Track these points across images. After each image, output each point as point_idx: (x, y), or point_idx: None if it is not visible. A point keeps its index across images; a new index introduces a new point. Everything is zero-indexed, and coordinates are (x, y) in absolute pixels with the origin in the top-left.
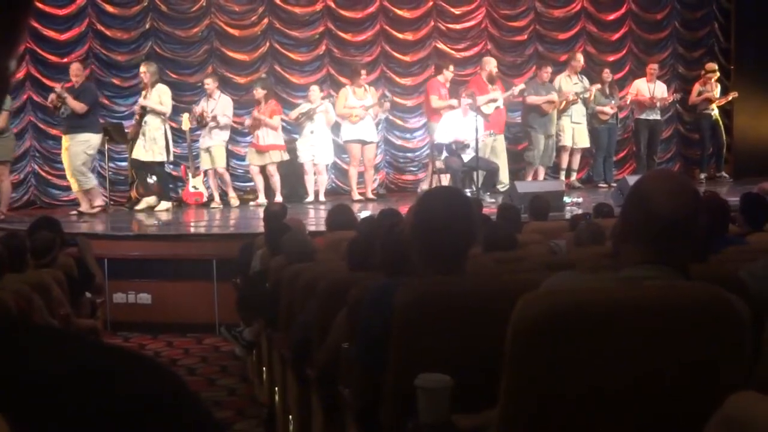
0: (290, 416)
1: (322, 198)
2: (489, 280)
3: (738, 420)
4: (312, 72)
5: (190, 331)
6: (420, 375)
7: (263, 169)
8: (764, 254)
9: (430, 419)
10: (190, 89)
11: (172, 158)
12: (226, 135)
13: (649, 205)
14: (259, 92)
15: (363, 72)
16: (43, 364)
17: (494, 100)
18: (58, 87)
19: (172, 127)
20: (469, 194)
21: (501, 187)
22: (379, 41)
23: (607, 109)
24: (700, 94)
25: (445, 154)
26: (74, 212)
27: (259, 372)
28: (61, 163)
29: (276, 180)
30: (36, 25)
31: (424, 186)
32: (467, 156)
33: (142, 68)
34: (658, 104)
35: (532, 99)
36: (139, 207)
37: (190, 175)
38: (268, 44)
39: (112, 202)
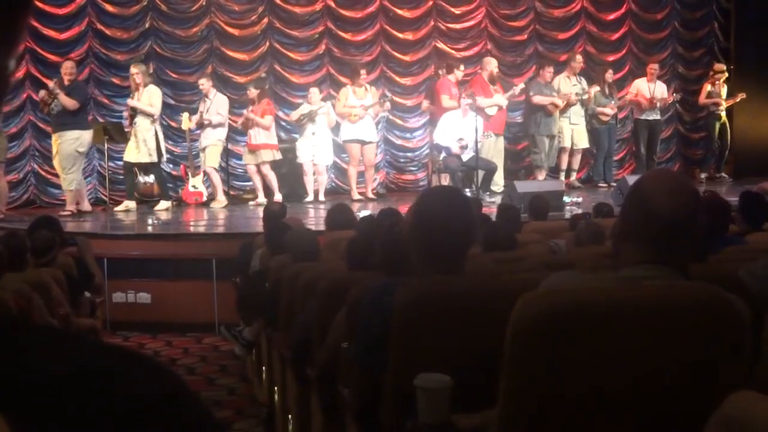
0: (290, 416)
1: (321, 198)
2: (488, 279)
3: (737, 420)
4: (312, 71)
5: (189, 330)
6: (419, 375)
7: (260, 168)
8: (764, 254)
9: (429, 419)
10: (189, 89)
11: (165, 159)
12: (221, 134)
13: (649, 205)
14: (252, 92)
15: (363, 72)
16: (43, 364)
17: (498, 105)
18: (50, 83)
19: (171, 127)
20: (468, 194)
21: (496, 188)
22: (379, 41)
23: (608, 110)
24: (709, 94)
25: (444, 154)
26: (66, 212)
27: (258, 371)
28: None
29: (272, 179)
30: (36, 24)
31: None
32: (466, 156)
33: (134, 69)
34: (658, 104)
35: (538, 99)
36: (118, 208)
37: (189, 174)
38: (267, 44)
39: (111, 202)
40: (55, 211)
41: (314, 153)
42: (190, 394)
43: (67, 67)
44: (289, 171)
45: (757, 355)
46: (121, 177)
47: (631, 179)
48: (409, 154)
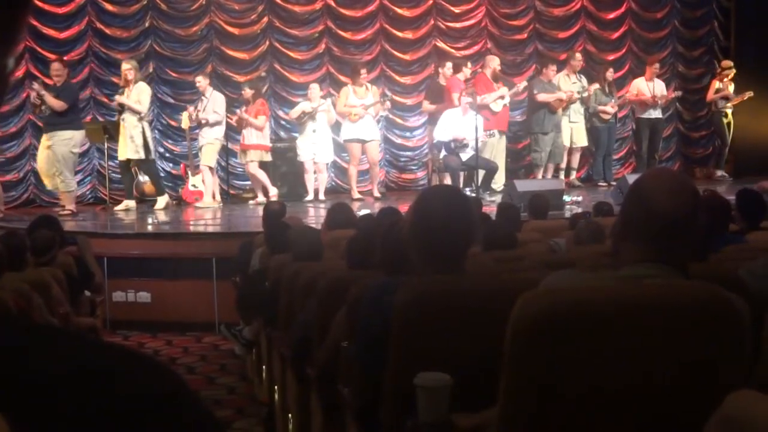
0: (290, 415)
1: (321, 197)
2: (488, 279)
3: (737, 419)
4: (312, 70)
5: (189, 329)
6: (419, 374)
7: (248, 167)
8: (764, 253)
9: (429, 418)
10: (189, 88)
11: (154, 155)
12: (218, 132)
13: (649, 204)
14: (246, 92)
15: (363, 71)
16: (43, 364)
17: (502, 97)
18: (35, 85)
19: (171, 126)
20: (468, 193)
21: (497, 187)
22: (379, 40)
23: (609, 109)
24: (717, 91)
25: (444, 152)
26: (65, 212)
27: (258, 371)
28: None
29: (260, 177)
30: (35, 23)
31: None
32: (466, 155)
33: (126, 65)
34: (660, 102)
35: (543, 97)
36: (118, 208)
37: (189, 173)
38: (267, 43)
39: (111, 201)
40: (54, 210)
41: (315, 151)
42: (190, 394)
43: (55, 68)
44: (289, 170)
45: (757, 355)
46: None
47: (631, 178)
48: (409, 153)
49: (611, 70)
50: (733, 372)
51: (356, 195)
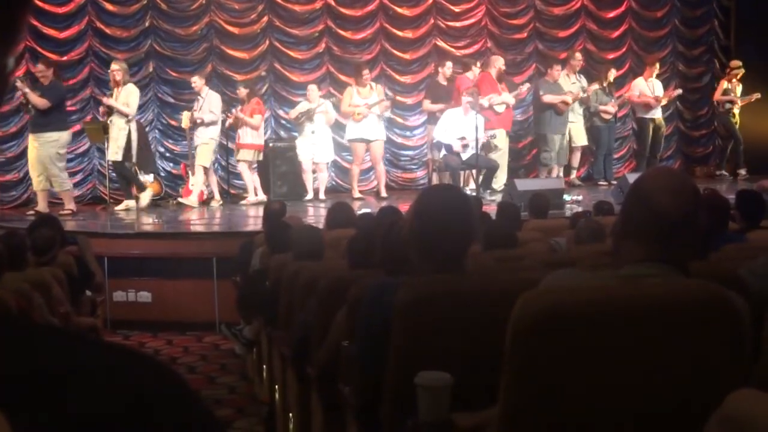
0: (290, 414)
1: (322, 196)
2: (489, 278)
3: (738, 419)
4: (312, 70)
5: (189, 329)
6: (420, 373)
7: (239, 165)
8: (764, 252)
9: (430, 417)
10: (189, 87)
11: (134, 159)
12: (213, 132)
13: (650, 203)
14: (242, 91)
15: (366, 70)
16: (44, 363)
17: (506, 103)
18: (18, 83)
19: (171, 126)
20: (469, 192)
21: (497, 186)
22: (379, 39)
23: (610, 108)
24: (725, 92)
25: (444, 152)
26: (31, 212)
27: (259, 370)
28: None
29: (246, 178)
30: (36, 23)
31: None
32: (466, 154)
33: (114, 66)
34: (663, 101)
35: (549, 98)
36: (119, 208)
37: (190, 173)
38: (267, 42)
39: (112, 201)
40: (55, 210)
41: (314, 151)
42: (190, 393)
43: (38, 69)
44: (289, 169)
45: (758, 354)
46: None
47: (632, 177)
48: (409, 153)
49: (613, 69)
50: (733, 371)
51: (357, 194)
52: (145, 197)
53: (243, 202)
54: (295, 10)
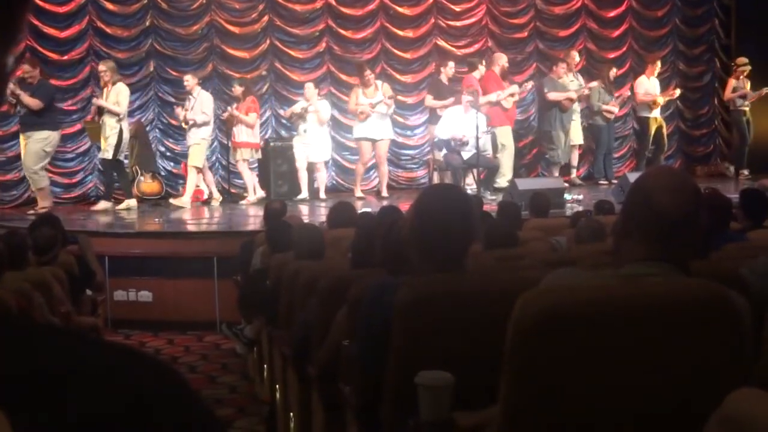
0: (291, 414)
1: (322, 195)
2: (489, 277)
3: (738, 418)
4: (312, 69)
5: (190, 328)
6: (420, 373)
7: (237, 165)
8: (765, 251)
9: (430, 417)
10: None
11: (122, 157)
12: (205, 132)
13: (651, 202)
14: (237, 89)
15: (368, 70)
16: (44, 362)
17: (513, 95)
18: (10, 84)
19: (172, 125)
20: (469, 192)
21: (503, 183)
22: (380, 38)
23: (613, 108)
24: (735, 90)
25: (444, 151)
26: (31, 212)
27: (260, 370)
28: (61, 161)
29: (246, 177)
30: (36, 22)
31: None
32: (467, 153)
33: (102, 67)
34: (662, 101)
35: (553, 95)
36: (120, 207)
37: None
38: (268, 41)
39: (113, 200)
40: (56, 210)
41: (308, 151)
42: (191, 392)
43: (25, 70)
44: (289, 168)
45: (758, 353)
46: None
47: (632, 176)
48: (410, 152)
49: (614, 69)
50: (733, 370)
51: (359, 193)
52: (103, 205)
53: (243, 201)
54: (295, 10)
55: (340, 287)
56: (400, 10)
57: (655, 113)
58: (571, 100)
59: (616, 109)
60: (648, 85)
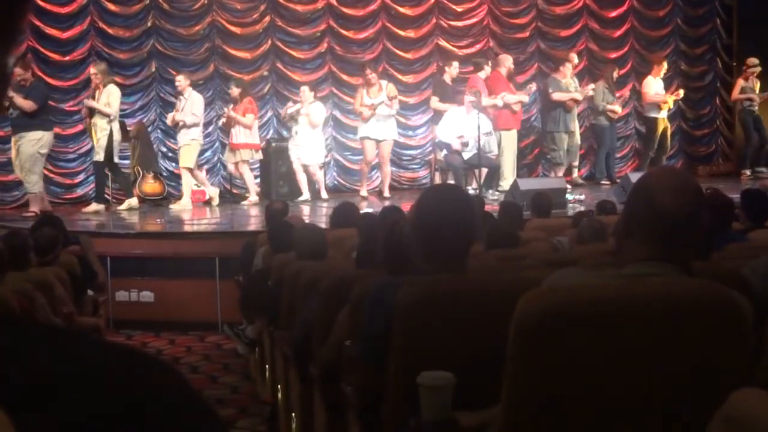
0: (293, 414)
1: (324, 195)
2: (491, 277)
3: (740, 419)
4: (314, 69)
5: (192, 329)
6: (422, 373)
7: (238, 166)
8: (767, 251)
9: (432, 417)
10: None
11: (116, 159)
12: (195, 133)
13: (653, 202)
14: (234, 90)
15: (368, 70)
16: (45, 362)
17: (522, 102)
18: None
19: (170, 126)
20: (471, 192)
21: (505, 185)
22: (381, 39)
23: (617, 108)
24: (743, 90)
25: (445, 151)
26: (29, 213)
27: (261, 370)
28: (62, 161)
29: (247, 178)
30: (38, 23)
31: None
32: (468, 154)
33: (92, 69)
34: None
35: (558, 96)
36: (122, 207)
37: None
38: (269, 42)
39: (114, 200)
40: (57, 210)
41: (299, 153)
42: (193, 393)
43: (18, 73)
44: (290, 169)
45: (760, 353)
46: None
47: (634, 176)
48: (411, 152)
49: (617, 69)
50: (736, 370)
51: (364, 193)
52: (94, 207)
53: (245, 202)
54: (297, 10)
55: (342, 287)
56: (402, 10)
57: (662, 114)
58: (576, 101)
59: (619, 109)
60: (657, 85)
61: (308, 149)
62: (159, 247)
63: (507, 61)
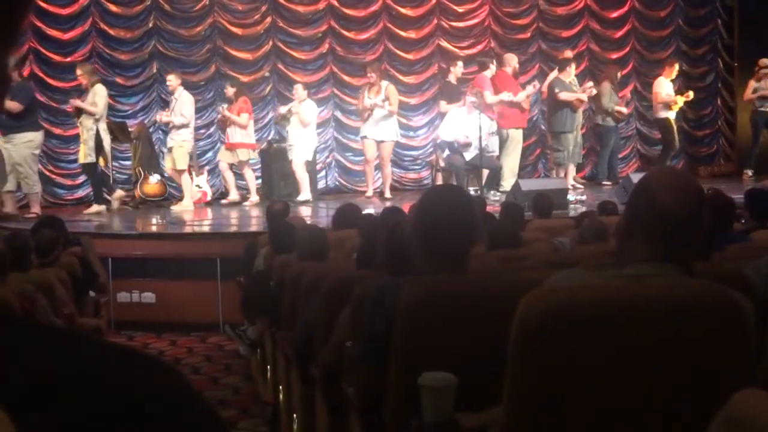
0: (294, 415)
1: (307, 196)
2: (492, 278)
3: (741, 419)
4: (315, 70)
5: (193, 330)
6: (424, 374)
7: (232, 167)
8: None
9: (433, 418)
10: (193, 88)
11: (108, 161)
12: (185, 134)
13: (654, 203)
14: (229, 90)
15: (367, 70)
16: (46, 363)
17: (530, 95)
18: None
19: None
20: (472, 192)
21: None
22: (383, 39)
23: (623, 109)
24: (755, 90)
25: (447, 152)
26: (31, 215)
27: (263, 371)
28: (64, 162)
29: (249, 179)
30: (39, 24)
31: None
32: (470, 154)
33: (78, 71)
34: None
35: (565, 96)
36: (88, 211)
37: (194, 174)
38: (271, 43)
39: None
40: (58, 211)
41: (291, 153)
42: (194, 394)
43: None
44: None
45: (761, 354)
46: (126, 176)
47: (635, 177)
48: (413, 153)
49: (620, 70)
50: (737, 371)
51: (370, 193)
52: (96, 208)
53: (246, 203)
54: (298, 11)
55: (343, 288)
56: (403, 11)
57: (672, 114)
58: (581, 101)
59: (626, 110)
60: (668, 86)
61: (299, 147)
62: (160, 248)
63: (512, 60)
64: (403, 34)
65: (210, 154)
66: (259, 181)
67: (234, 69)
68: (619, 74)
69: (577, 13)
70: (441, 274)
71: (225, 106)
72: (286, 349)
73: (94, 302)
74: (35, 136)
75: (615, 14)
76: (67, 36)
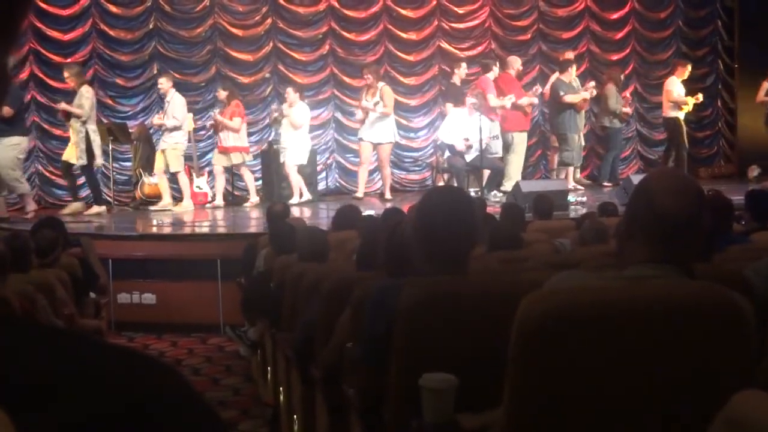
0: (295, 416)
1: (297, 199)
2: (493, 279)
3: (742, 421)
4: (316, 72)
5: (194, 331)
6: (424, 375)
7: (227, 170)
8: None
9: (434, 419)
10: (193, 89)
11: (100, 161)
12: (178, 137)
13: (654, 204)
14: (221, 93)
15: (364, 72)
16: (46, 363)
17: (533, 104)
18: None
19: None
20: (473, 194)
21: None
22: (383, 41)
23: (627, 109)
24: None
25: (447, 153)
26: (29, 215)
27: (263, 372)
28: None
29: (247, 180)
30: (40, 25)
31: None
32: (470, 156)
33: (65, 73)
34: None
35: (570, 98)
36: (65, 211)
37: (194, 175)
38: (271, 44)
39: (116, 202)
40: (57, 212)
41: (282, 155)
42: (194, 395)
43: None
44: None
45: (762, 355)
46: (126, 177)
47: (636, 178)
48: (413, 154)
49: (622, 72)
50: (737, 372)
51: (360, 194)
52: (96, 209)
53: (246, 204)
54: (298, 12)
55: (344, 289)
56: (404, 12)
57: (681, 114)
58: (586, 101)
59: (630, 111)
60: (679, 87)
61: (291, 150)
62: (161, 249)
63: (516, 63)
64: (403, 35)
65: (210, 155)
66: (259, 182)
67: (234, 70)
68: (622, 75)
69: (577, 15)
70: (441, 275)
71: (217, 110)
72: (287, 350)
73: (94, 303)
74: (21, 140)
75: (615, 16)
76: (67, 37)
